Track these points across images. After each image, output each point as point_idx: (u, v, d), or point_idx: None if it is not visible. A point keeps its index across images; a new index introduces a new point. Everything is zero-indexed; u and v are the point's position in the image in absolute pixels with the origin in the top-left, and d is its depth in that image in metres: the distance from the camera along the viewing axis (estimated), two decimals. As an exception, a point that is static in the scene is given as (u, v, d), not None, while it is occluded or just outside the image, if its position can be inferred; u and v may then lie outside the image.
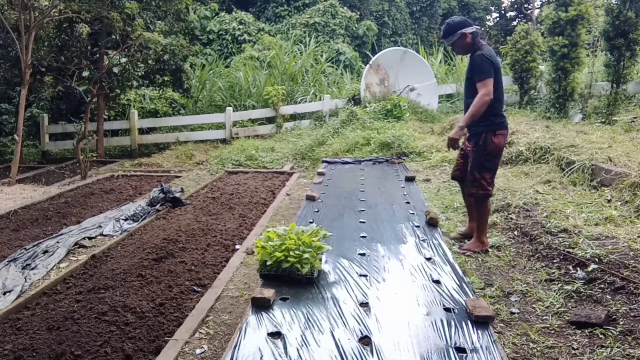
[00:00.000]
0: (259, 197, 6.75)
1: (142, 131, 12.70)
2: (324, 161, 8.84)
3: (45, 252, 4.74)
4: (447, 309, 3.02)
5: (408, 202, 5.65)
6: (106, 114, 12.21)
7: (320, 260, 3.60)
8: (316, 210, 5.37)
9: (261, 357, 2.54)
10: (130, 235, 5.26)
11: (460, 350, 2.57)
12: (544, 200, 5.27)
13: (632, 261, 3.55)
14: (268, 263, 3.48)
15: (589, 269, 3.59)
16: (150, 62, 11.37)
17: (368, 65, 13.25)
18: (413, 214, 5.18)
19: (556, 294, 3.42)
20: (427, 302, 3.14)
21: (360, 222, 4.90)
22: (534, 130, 7.99)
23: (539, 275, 3.76)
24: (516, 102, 12.76)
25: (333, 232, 4.37)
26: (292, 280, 3.39)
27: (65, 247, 4.85)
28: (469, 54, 4.12)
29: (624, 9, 9.08)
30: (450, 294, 3.23)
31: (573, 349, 2.79)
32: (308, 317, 2.94)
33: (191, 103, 13.94)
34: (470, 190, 4.20)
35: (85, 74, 10.87)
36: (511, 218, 4.99)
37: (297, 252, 3.45)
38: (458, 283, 3.40)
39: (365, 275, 3.57)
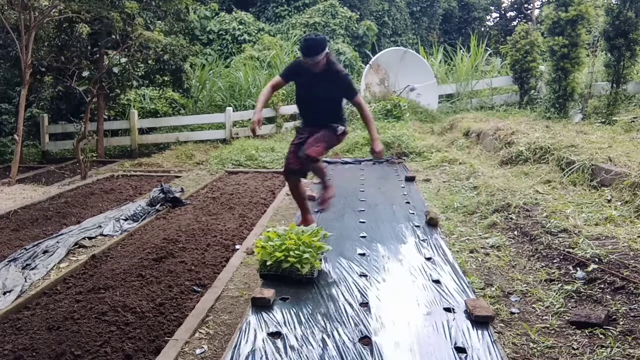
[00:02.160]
0: (259, 197, 6.75)
1: (142, 131, 12.70)
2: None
3: (45, 252, 4.74)
4: (447, 309, 3.02)
5: (408, 202, 5.65)
6: (106, 114, 12.21)
7: (320, 260, 3.60)
8: (316, 210, 5.37)
9: (261, 357, 2.54)
10: (130, 235, 5.26)
11: (460, 350, 2.57)
12: (544, 200, 5.27)
13: (632, 261, 3.55)
14: (268, 263, 3.48)
15: (589, 269, 3.59)
16: (150, 62, 11.37)
17: (368, 65, 13.26)
18: (413, 214, 5.18)
19: (556, 294, 3.42)
20: (427, 302, 3.14)
21: (360, 222, 4.90)
22: (534, 130, 7.99)
23: (539, 275, 3.76)
24: (516, 102, 12.77)
25: (333, 232, 4.37)
26: (292, 280, 3.39)
27: (65, 247, 4.85)
28: (319, 71, 4.21)
29: (624, 9, 9.09)
30: (450, 294, 3.23)
31: (573, 349, 2.79)
32: (308, 317, 2.94)
33: (191, 103, 13.94)
34: (315, 156, 4.30)
35: (85, 74, 10.86)
36: (511, 218, 4.98)
37: (297, 252, 3.45)
38: (458, 283, 3.40)
39: (365, 275, 3.57)
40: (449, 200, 5.94)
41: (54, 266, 4.49)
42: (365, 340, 2.69)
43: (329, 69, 4.18)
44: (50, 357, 2.91)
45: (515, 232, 4.68)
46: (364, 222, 4.88)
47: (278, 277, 3.43)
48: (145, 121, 12.77)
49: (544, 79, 11.57)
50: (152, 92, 13.69)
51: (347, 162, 8.65)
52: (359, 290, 3.30)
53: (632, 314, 3.03)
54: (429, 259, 3.90)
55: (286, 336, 2.73)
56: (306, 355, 2.55)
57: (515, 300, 3.42)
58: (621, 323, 2.95)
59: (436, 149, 9.00)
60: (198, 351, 2.97)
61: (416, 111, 12.21)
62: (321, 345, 2.65)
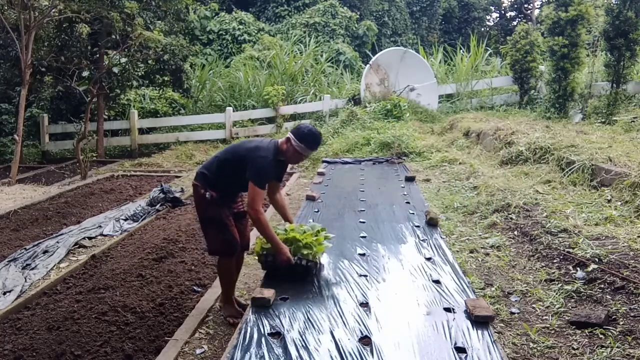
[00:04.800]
0: (259, 197, 6.74)
1: (142, 131, 12.70)
2: (324, 161, 8.83)
3: (45, 252, 4.74)
4: (447, 309, 3.02)
5: (408, 202, 5.64)
6: (106, 114, 12.21)
7: (322, 252, 3.59)
8: (316, 210, 5.37)
9: (261, 357, 2.54)
10: (130, 235, 5.26)
11: (460, 350, 2.57)
12: (544, 200, 5.27)
13: (632, 261, 3.55)
14: (264, 246, 3.41)
15: (589, 269, 3.59)
16: (150, 62, 11.37)
17: (368, 66, 13.25)
18: (413, 214, 5.18)
19: (556, 294, 3.42)
20: (427, 302, 3.14)
21: (360, 222, 4.90)
22: (534, 130, 7.98)
23: (539, 275, 3.76)
24: (516, 102, 12.77)
25: (333, 232, 4.36)
26: (292, 280, 3.38)
27: (65, 247, 4.85)
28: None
29: (624, 9, 9.09)
30: (450, 294, 3.23)
31: (573, 349, 2.79)
32: (308, 317, 2.93)
33: (191, 103, 13.95)
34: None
35: (85, 74, 10.87)
36: (511, 218, 4.98)
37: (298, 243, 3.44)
38: (458, 283, 3.39)
39: (365, 275, 3.56)
40: (449, 200, 5.93)
41: (54, 266, 4.49)
42: (365, 340, 2.68)
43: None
44: (50, 357, 2.91)
45: (515, 232, 4.68)
46: (364, 222, 4.88)
47: (277, 268, 3.39)
48: (145, 121, 12.77)
49: (544, 79, 11.57)
50: (152, 92, 13.69)
51: (347, 162, 8.65)
52: (359, 290, 3.30)
53: (632, 314, 3.03)
54: (429, 259, 3.90)
55: (286, 336, 2.73)
56: (306, 356, 2.54)
57: (515, 300, 3.42)
58: (621, 323, 2.95)
59: (436, 149, 9.00)
60: (198, 351, 2.98)
61: (416, 111, 12.21)
62: (321, 345, 2.65)
